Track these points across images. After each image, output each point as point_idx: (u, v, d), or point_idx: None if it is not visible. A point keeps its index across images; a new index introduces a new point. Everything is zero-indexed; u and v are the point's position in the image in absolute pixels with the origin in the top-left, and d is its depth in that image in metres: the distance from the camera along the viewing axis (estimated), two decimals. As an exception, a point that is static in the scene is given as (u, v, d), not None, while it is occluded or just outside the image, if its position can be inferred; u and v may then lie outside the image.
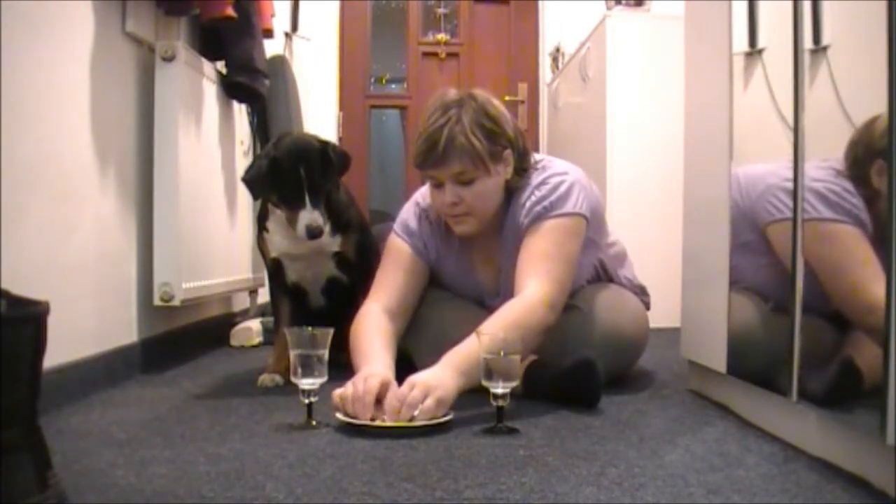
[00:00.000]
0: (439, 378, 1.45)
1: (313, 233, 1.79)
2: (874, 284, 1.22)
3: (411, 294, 1.82)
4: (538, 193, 1.75)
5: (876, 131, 1.17)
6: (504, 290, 1.80)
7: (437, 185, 1.73)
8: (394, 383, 1.47)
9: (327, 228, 1.89)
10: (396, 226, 1.89)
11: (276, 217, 1.93)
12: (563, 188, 1.74)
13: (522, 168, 1.78)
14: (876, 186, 1.16)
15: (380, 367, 1.54)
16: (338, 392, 1.46)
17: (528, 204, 1.75)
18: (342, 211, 1.97)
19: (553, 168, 1.81)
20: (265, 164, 1.83)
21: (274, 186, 1.84)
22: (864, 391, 1.11)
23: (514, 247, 1.76)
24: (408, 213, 1.90)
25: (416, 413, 1.39)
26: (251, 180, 1.88)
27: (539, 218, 1.72)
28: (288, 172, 1.80)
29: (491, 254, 1.86)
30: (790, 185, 1.35)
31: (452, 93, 1.73)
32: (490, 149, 1.68)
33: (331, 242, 1.95)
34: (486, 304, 1.86)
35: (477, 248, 1.87)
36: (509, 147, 1.74)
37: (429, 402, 1.40)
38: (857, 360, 1.14)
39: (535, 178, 1.78)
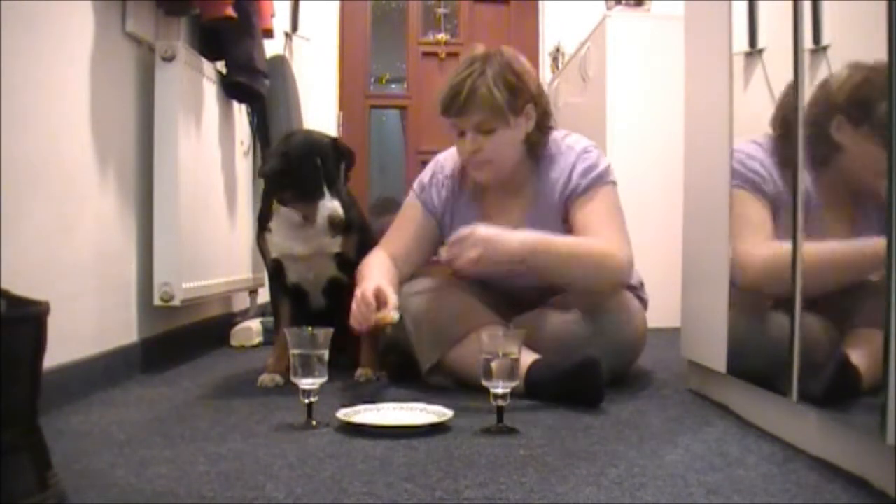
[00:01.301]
0: (499, 237, 1.65)
1: (335, 223, 1.80)
2: (746, 241, 1.49)
3: (416, 247, 1.94)
4: (588, 160, 1.85)
5: (831, 90, 1.29)
6: None
7: (460, 134, 1.82)
8: (387, 287, 1.66)
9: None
10: (414, 184, 2.03)
11: (280, 217, 1.92)
12: (603, 160, 1.87)
13: (546, 126, 1.87)
14: (837, 141, 1.26)
15: (376, 280, 1.70)
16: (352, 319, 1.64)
17: (580, 168, 1.83)
18: (345, 211, 1.97)
19: (584, 140, 1.92)
20: (280, 159, 1.84)
21: (291, 180, 1.84)
22: (863, 389, 1.10)
23: (549, 207, 1.85)
24: (425, 171, 2.02)
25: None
26: (270, 173, 1.86)
27: (597, 182, 1.82)
28: (304, 165, 1.82)
29: (508, 212, 1.88)
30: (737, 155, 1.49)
31: (481, 47, 1.83)
32: (511, 102, 1.76)
33: (332, 243, 1.94)
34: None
35: (492, 204, 1.92)
36: (531, 102, 1.81)
37: (471, 253, 1.63)
38: (853, 358, 1.14)
39: (577, 146, 1.88)
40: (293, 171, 1.82)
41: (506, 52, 1.81)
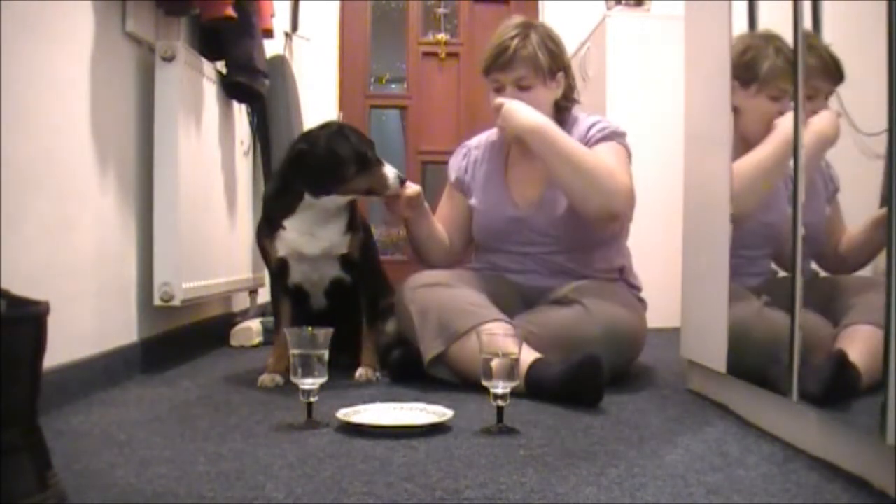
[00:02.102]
0: (514, 111, 1.89)
1: (403, 178, 1.94)
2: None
3: (451, 228, 2.14)
4: (606, 122, 2.03)
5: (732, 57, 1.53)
6: (547, 204, 1.97)
7: (498, 90, 1.99)
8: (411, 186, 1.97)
9: (339, 227, 1.90)
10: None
11: (304, 213, 1.89)
12: (622, 130, 2.02)
13: (571, 97, 2.07)
14: (734, 105, 1.53)
15: None
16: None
17: (598, 126, 2.00)
18: (351, 210, 1.97)
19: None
20: (335, 141, 1.87)
21: (352, 156, 1.87)
22: (862, 385, 1.11)
23: None
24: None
25: None
26: (335, 156, 1.86)
27: (611, 136, 1.98)
28: (360, 140, 1.91)
29: (529, 175, 2.02)
30: None
31: (521, 17, 2.06)
32: (549, 64, 1.98)
33: (340, 243, 1.93)
34: (507, 215, 2.03)
35: (514, 167, 2.07)
36: (562, 71, 2.03)
37: (498, 121, 1.93)
38: (850, 355, 1.14)
39: (592, 118, 2.04)
40: (355, 148, 1.88)
41: (545, 25, 2.07)
